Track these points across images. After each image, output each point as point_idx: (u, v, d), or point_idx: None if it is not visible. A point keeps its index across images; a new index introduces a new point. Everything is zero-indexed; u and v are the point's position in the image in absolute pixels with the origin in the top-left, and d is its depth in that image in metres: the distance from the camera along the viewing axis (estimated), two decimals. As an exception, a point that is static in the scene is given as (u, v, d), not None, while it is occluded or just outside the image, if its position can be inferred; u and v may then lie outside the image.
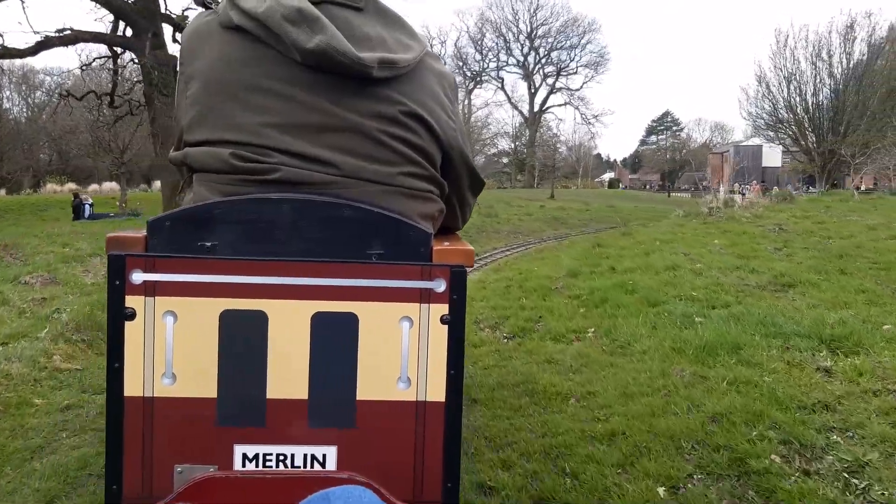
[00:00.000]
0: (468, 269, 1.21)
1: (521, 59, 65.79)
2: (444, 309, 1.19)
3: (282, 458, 1.19)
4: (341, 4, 1.28)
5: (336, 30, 1.19)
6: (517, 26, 64.67)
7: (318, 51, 1.17)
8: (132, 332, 1.16)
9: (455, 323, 1.20)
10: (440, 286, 1.19)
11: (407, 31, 1.35)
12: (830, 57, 36.96)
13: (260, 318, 1.17)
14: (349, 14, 1.27)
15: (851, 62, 36.49)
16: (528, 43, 64.99)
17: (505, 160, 76.02)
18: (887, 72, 34.18)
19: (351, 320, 1.18)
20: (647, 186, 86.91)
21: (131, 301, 1.16)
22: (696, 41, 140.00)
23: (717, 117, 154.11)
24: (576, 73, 65.38)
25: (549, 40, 64.78)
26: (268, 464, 1.19)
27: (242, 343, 1.18)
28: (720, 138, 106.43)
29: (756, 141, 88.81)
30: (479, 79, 67.12)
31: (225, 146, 1.23)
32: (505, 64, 66.55)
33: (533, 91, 66.24)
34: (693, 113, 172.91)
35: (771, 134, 42.61)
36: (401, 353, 1.19)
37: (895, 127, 29.36)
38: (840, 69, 36.71)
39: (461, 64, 66.19)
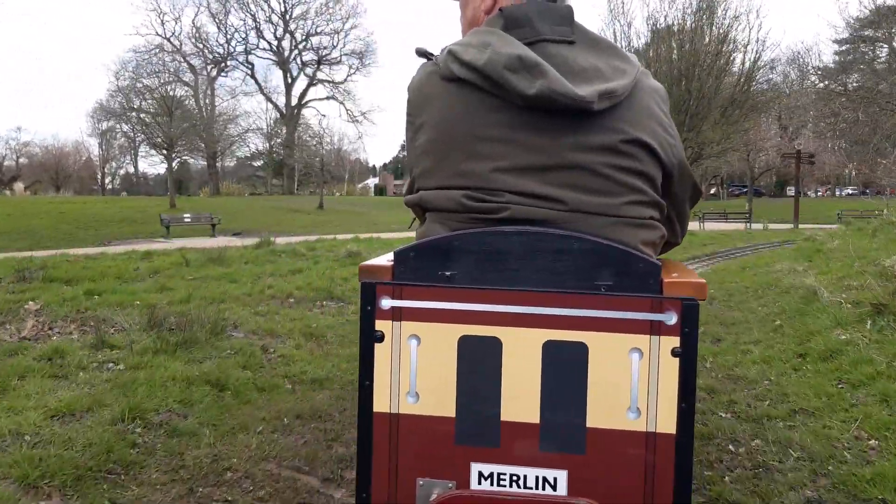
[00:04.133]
0: (699, 302, 1.19)
1: (275, 42, 56.22)
2: (675, 342, 1.18)
3: (515, 478, 1.22)
4: (556, 41, 1.28)
5: (555, 72, 1.20)
6: (268, 3, 55.05)
7: (540, 96, 1.19)
8: (381, 353, 1.25)
9: (687, 356, 1.18)
10: (671, 319, 1.18)
11: (619, 56, 1.32)
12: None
13: (495, 344, 1.22)
14: (563, 49, 1.28)
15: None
16: (282, 24, 55.63)
17: (258, 162, 65.34)
18: None
19: (581, 349, 1.20)
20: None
21: (380, 325, 1.25)
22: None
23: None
24: (339, 62, 57.32)
25: (308, 23, 56.07)
26: (501, 483, 1.23)
27: (479, 367, 1.23)
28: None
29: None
30: (223, 63, 56.16)
31: (457, 190, 1.28)
32: (255, 47, 56.47)
33: (290, 81, 57.11)
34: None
35: None
36: (630, 383, 1.19)
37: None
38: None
39: (200, 46, 54.83)
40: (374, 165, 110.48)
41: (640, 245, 1.29)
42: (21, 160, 72.53)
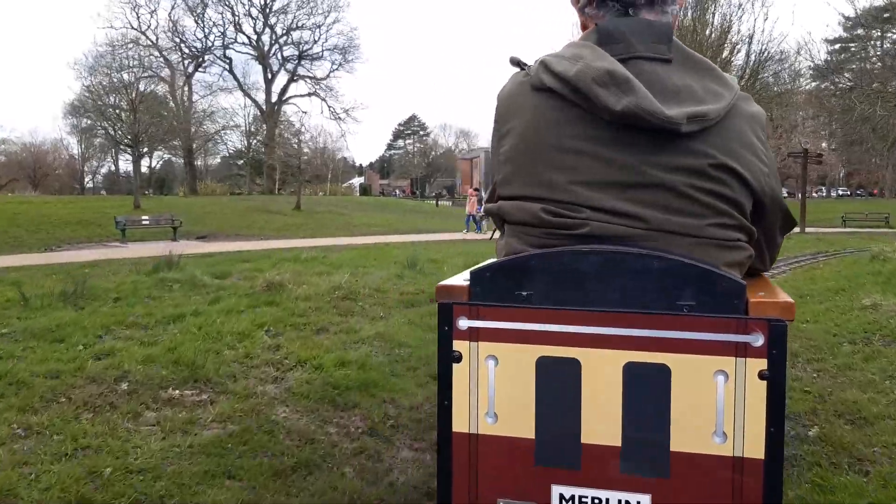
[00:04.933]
0: (787, 323, 1.14)
1: (255, 36, 54.44)
2: (762, 364, 1.15)
3: (597, 501, 1.21)
4: (650, 58, 1.26)
5: (645, 90, 1.19)
6: (247, -3, 53.25)
7: (627, 112, 1.18)
8: (459, 373, 1.26)
9: (775, 379, 1.15)
10: (757, 340, 1.15)
11: (717, 78, 1.30)
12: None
13: (574, 366, 1.22)
14: (658, 67, 1.26)
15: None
16: (261, 18, 53.87)
17: (240, 161, 63.65)
18: None
19: (663, 371, 1.18)
20: (397, 192, 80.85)
21: (458, 345, 1.26)
22: (441, 43, 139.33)
23: (462, 124, 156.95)
24: (321, 57, 55.50)
25: (289, 17, 54.29)
26: None
27: (558, 388, 1.22)
28: (466, 144, 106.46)
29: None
30: (200, 59, 54.43)
31: (536, 202, 1.30)
32: (233, 41, 54.59)
33: (270, 77, 55.31)
34: (438, 118, 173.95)
35: None
36: (716, 406, 1.16)
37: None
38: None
39: (178, 41, 53.04)
40: (360, 164, 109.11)
41: (724, 266, 1.26)
42: None
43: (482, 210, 19.86)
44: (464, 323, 1.25)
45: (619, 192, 1.23)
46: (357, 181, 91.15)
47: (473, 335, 1.25)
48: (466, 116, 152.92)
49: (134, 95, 36.00)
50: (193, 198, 46.69)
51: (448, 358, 1.26)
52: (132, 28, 50.67)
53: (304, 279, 8.12)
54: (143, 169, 57.21)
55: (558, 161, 1.25)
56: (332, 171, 72.94)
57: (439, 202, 50.67)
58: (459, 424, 1.25)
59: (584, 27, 1.38)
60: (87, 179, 72.09)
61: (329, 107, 55.16)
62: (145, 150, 37.49)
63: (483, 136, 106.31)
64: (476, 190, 27.16)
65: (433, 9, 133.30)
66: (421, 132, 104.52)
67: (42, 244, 18.58)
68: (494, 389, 1.24)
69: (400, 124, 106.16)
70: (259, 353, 4.93)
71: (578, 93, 1.21)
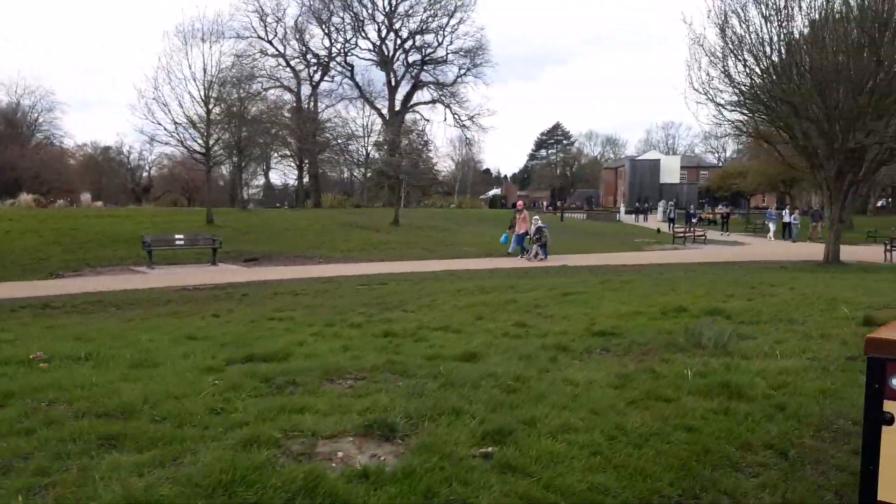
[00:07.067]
0: None
1: (378, 42, 52.05)
2: None
3: None
4: None
5: None
6: (373, 1, 51.01)
7: None
8: (890, 437, 1.15)
9: None
10: None
11: None
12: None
13: None
14: None
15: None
16: (386, 22, 51.36)
17: (367, 173, 61.75)
18: None
19: None
20: (535, 205, 75.94)
21: (890, 406, 1.17)
22: (587, 48, 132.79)
23: (609, 131, 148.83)
24: (445, 61, 51.92)
25: (415, 19, 51.32)
26: None
27: None
28: (612, 153, 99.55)
29: (654, 154, 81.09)
30: (327, 66, 52.99)
31: None
32: (353, 46, 52.45)
33: (394, 84, 52.63)
34: (584, 126, 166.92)
35: (743, 119, 18.18)
36: None
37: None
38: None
39: (304, 49, 51.91)
40: (504, 175, 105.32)
41: None
42: (153, 172, 74.19)
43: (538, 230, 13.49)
44: None
45: None
46: (493, 192, 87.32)
47: None
48: (613, 124, 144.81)
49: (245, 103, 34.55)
50: (304, 210, 44.93)
51: (877, 419, 1.16)
52: (259, 38, 50.12)
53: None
54: (291, 181, 56.65)
55: None
56: (459, 183, 69.72)
57: (564, 216, 45.13)
58: (887, 493, 1.15)
59: None
60: (244, 191, 73.88)
61: (454, 113, 51.68)
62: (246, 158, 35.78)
63: (631, 144, 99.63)
64: (524, 207, 21.29)
65: (579, 15, 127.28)
66: (564, 141, 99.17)
67: (60, 267, 16.14)
68: None
69: (543, 133, 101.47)
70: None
71: None
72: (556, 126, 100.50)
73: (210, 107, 27.53)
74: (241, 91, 35.57)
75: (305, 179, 54.39)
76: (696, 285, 9.74)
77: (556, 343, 5.38)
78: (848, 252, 19.01)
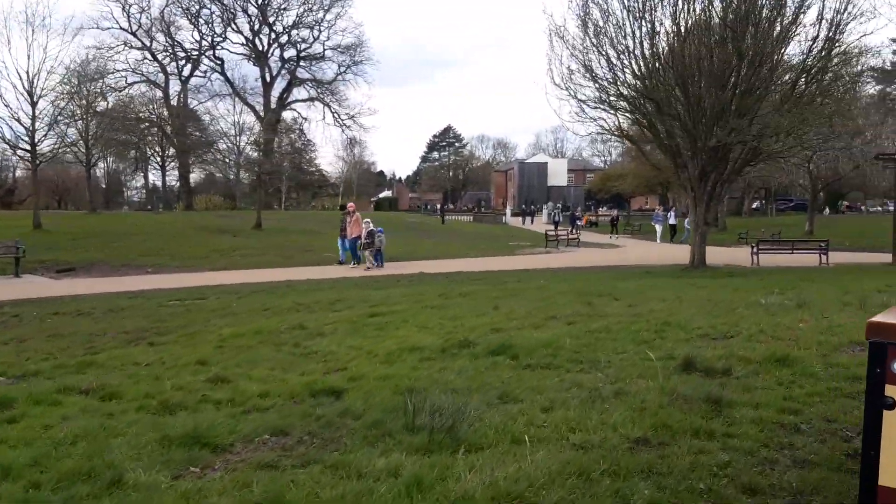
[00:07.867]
0: None
1: (250, 35, 48.95)
2: None
3: None
4: None
5: None
6: (244, -7, 47.87)
7: None
8: (891, 421, 1.12)
9: None
10: None
11: None
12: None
13: None
14: None
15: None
16: (259, 16, 48.40)
17: (242, 174, 58.27)
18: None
19: None
20: (426, 207, 74.74)
21: (892, 390, 1.14)
22: (479, 52, 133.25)
23: (501, 134, 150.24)
24: (323, 57, 49.45)
25: (290, 13, 48.50)
26: None
27: None
28: (503, 156, 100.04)
29: (542, 157, 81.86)
30: (197, 61, 49.49)
31: None
32: (223, 39, 49.13)
33: (268, 80, 49.73)
34: (476, 129, 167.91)
35: (606, 119, 16.86)
36: None
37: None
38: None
39: (171, 42, 48.14)
40: (399, 178, 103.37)
41: None
42: (17, 174, 67.11)
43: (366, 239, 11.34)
44: None
45: None
46: (384, 194, 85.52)
47: None
48: (504, 128, 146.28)
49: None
50: (169, 213, 41.65)
51: (878, 403, 1.14)
52: (121, 29, 46.12)
53: None
54: (172, 182, 52.59)
55: None
56: (345, 183, 67.37)
57: (445, 218, 44.05)
58: (888, 478, 1.13)
59: None
60: (126, 194, 67.83)
61: (333, 112, 49.45)
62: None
63: (521, 148, 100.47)
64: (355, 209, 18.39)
65: (470, 20, 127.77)
66: (456, 143, 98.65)
67: None
68: None
69: (435, 136, 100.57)
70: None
71: None
72: (448, 128, 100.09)
73: (35, 100, 24.40)
74: (91, 85, 32.32)
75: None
76: (530, 300, 8.44)
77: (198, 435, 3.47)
78: (717, 254, 18.61)
